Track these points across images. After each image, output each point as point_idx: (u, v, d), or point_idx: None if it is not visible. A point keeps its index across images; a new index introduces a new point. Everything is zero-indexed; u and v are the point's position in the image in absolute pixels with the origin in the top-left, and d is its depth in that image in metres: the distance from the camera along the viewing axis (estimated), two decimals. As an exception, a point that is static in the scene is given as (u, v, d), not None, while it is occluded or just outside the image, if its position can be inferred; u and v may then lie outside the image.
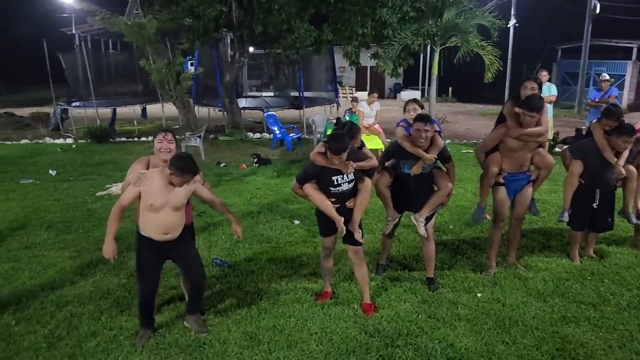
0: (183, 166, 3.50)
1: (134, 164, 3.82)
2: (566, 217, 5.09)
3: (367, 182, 4.09)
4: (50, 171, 9.52)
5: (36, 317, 4.14)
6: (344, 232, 4.03)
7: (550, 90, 9.66)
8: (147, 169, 3.76)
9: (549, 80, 10.12)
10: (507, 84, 23.67)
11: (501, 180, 4.74)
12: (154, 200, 3.55)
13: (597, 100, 10.03)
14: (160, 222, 3.61)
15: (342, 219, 3.98)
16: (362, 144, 4.37)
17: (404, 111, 4.62)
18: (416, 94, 26.55)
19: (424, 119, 4.26)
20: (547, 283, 4.72)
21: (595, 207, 5.07)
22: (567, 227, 5.33)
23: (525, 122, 4.40)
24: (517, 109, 4.47)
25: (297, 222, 6.47)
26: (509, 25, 22.21)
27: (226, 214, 4.06)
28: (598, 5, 20.21)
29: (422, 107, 4.61)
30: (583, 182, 5.02)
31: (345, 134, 3.98)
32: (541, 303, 4.36)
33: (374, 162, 4.15)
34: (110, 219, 3.62)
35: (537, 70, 10.29)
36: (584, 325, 4.02)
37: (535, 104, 4.35)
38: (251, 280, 4.81)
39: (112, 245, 3.62)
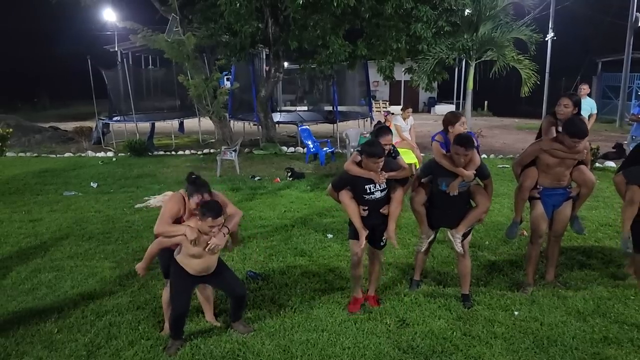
0: (203, 207, 3.63)
1: (171, 202, 3.81)
2: (631, 246, 4.64)
3: (399, 192, 4.21)
4: (92, 184, 9.83)
5: (77, 326, 4.26)
6: (363, 244, 4.20)
7: (591, 108, 9.23)
8: (184, 209, 3.80)
9: (589, 95, 9.65)
10: (544, 98, 23.24)
11: (536, 194, 4.65)
12: (193, 251, 3.72)
13: None
14: (199, 264, 3.81)
15: (367, 232, 4.16)
16: (397, 153, 4.42)
17: (448, 124, 4.53)
18: (451, 108, 26.32)
19: (464, 143, 4.16)
20: (588, 302, 4.58)
21: None
22: (608, 245, 5.15)
23: (570, 145, 4.30)
24: (554, 129, 4.40)
25: (330, 236, 6.49)
26: (546, 39, 21.87)
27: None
28: (640, 18, 19.72)
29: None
30: None
31: (379, 142, 4.14)
32: (581, 323, 4.23)
33: (406, 172, 4.26)
34: (150, 250, 3.78)
35: (576, 84, 10.01)
36: (627, 347, 3.88)
37: (580, 131, 4.22)
38: (284, 294, 4.84)
39: (144, 270, 3.87)
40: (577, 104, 4.61)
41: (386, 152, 4.19)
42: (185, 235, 3.65)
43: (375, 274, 4.55)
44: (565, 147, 4.34)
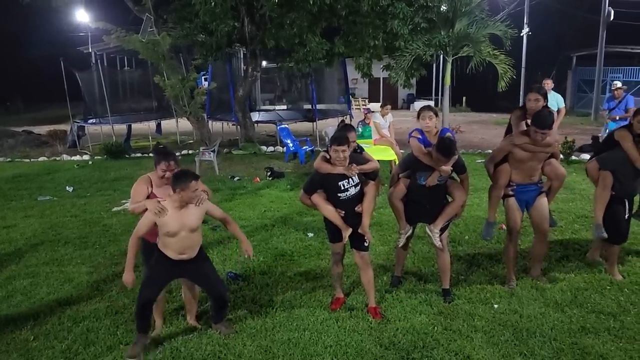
0: (180, 177, 3.64)
1: (138, 184, 3.90)
2: (604, 233, 4.75)
3: (372, 187, 4.21)
4: (67, 188, 9.65)
5: (54, 332, 4.18)
6: (346, 239, 4.19)
7: (558, 102, 9.28)
8: (151, 187, 3.87)
9: (554, 89, 9.64)
10: (521, 93, 23.52)
11: (510, 192, 4.66)
12: (169, 227, 3.67)
13: (617, 117, 9.90)
14: (177, 244, 3.74)
15: (350, 229, 4.13)
16: (361, 149, 4.46)
17: (418, 118, 4.53)
18: (429, 104, 26.47)
19: (447, 150, 4.13)
20: (565, 293, 4.64)
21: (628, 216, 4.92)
22: (584, 237, 5.22)
23: (536, 139, 4.32)
24: (525, 123, 4.45)
25: (310, 234, 6.47)
26: (522, 34, 22.12)
27: (236, 233, 4.16)
28: (612, 12, 20.07)
29: (436, 115, 4.48)
30: (614, 193, 4.78)
31: (344, 133, 4.27)
32: (559, 314, 4.29)
33: (375, 164, 4.27)
34: (129, 251, 3.72)
35: (539, 79, 10.11)
36: (604, 336, 3.94)
37: (546, 122, 4.26)
38: (265, 294, 4.81)
39: (132, 276, 3.73)
40: (545, 97, 4.66)
41: (352, 149, 4.24)
42: (147, 207, 3.67)
43: (369, 283, 4.35)
44: (533, 140, 4.37)
